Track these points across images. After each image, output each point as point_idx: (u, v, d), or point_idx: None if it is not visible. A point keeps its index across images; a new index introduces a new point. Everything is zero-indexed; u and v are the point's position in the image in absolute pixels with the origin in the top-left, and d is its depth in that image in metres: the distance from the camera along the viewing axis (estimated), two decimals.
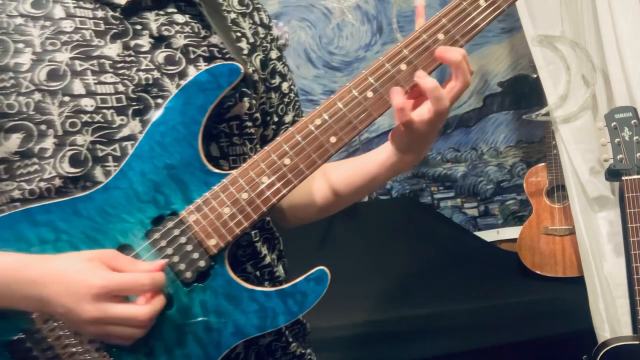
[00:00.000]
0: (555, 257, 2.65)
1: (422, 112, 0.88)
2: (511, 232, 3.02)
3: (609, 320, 2.15)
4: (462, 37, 0.89)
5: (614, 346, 1.94)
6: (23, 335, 0.82)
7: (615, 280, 2.15)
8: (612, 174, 1.94)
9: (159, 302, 0.81)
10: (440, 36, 0.89)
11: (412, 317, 2.30)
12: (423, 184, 3.06)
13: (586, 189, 2.17)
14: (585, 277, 2.21)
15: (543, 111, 2.26)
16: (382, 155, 0.99)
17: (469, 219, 3.10)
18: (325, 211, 1.09)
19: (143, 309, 0.79)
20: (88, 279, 0.77)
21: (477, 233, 3.04)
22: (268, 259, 1.00)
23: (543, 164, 2.76)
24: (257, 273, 0.97)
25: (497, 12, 0.91)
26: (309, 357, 1.07)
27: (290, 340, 1.03)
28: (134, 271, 0.80)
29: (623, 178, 1.90)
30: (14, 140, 0.86)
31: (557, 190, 2.67)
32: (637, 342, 1.92)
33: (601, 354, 1.93)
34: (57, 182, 0.86)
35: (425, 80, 0.86)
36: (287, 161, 0.88)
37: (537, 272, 2.66)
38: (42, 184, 0.86)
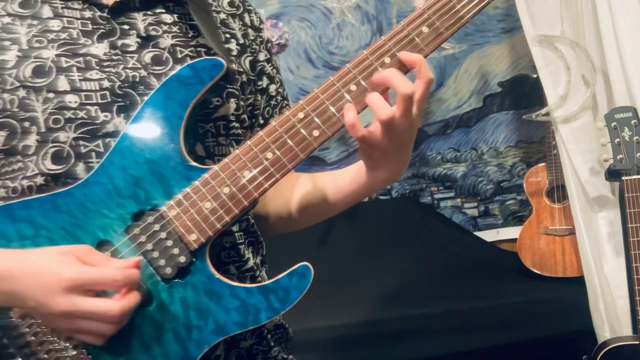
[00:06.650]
0: (555, 257, 2.64)
1: (374, 127, 0.86)
2: (511, 232, 3.01)
3: (609, 320, 2.14)
4: (447, 30, 0.88)
5: (614, 346, 1.93)
6: None
7: (615, 280, 2.14)
8: (612, 174, 1.94)
9: (132, 298, 0.79)
10: (425, 29, 0.88)
11: (412, 317, 2.29)
12: (423, 184, 3.05)
13: (586, 189, 2.17)
14: (585, 277, 2.20)
15: (543, 111, 2.25)
16: (356, 171, 0.98)
17: (469, 219, 3.10)
18: (298, 223, 1.07)
19: (115, 303, 0.77)
20: (60, 272, 0.76)
21: (477, 233, 3.04)
22: (251, 263, 0.98)
23: (543, 164, 2.75)
24: (240, 276, 0.96)
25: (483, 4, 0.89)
26: None
27: (272, 344, 1.01)
28: (107, 266, 0.79)
29: (623, 178, 1.90)
30: None
31: (557, 190, 2.67)
32: (637, 342, 1.91)
33: (601, 354, 1.93)
34: (39, 179, 0.85)
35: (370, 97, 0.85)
36: (269, 155, 0.86)
37: (537, 272, 2.65)
38: (24, 182, 0.86)
